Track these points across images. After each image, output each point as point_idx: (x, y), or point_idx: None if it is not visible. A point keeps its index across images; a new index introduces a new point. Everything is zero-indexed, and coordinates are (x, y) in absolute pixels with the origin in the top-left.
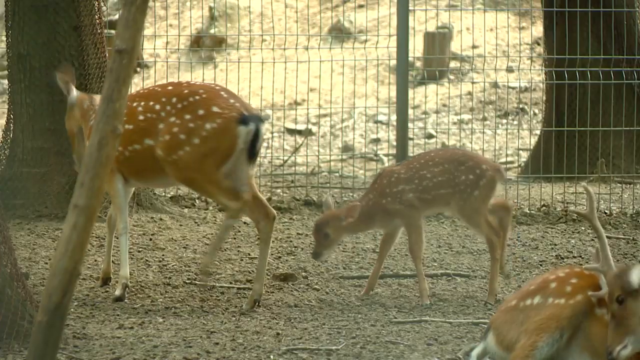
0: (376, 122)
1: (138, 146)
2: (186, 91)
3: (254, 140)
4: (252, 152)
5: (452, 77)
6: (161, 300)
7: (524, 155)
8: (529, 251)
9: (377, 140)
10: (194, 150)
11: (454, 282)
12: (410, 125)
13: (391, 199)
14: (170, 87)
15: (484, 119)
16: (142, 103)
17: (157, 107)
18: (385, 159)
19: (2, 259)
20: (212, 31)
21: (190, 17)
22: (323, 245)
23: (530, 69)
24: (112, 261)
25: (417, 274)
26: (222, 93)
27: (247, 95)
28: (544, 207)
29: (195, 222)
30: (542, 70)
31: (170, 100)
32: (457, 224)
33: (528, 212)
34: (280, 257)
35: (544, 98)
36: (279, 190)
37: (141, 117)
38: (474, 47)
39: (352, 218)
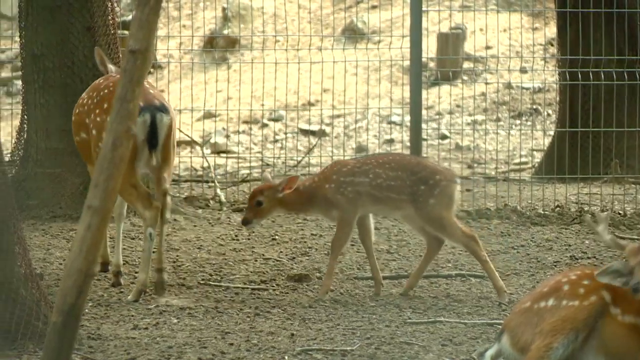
0: (390, 122)
1: (78, 138)
2: (103, 85)
3: (153, 131)
4: (151, 142)
5: (465, 77)
6: (176, 300)
7: (538, 156)
8: (543, 252)
9: (390, 141)
10: None
11: (468, 283)
12: (423, 126)
13: (335, 186)
14: (100, 81)
15: (498, 119)
16: (83, 96)
17: (87, 100)
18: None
19: (17, 260)
20: (225, 32)
21: (204, 18)
22: (254, 213)
23: (543, 70)
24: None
25: (328, 269)
26: None
27: (260, 96)
28: (558, 208)
29: (210, 223)
30: (555, 70)
31: (93, 94)
32: (471, 225)
33: (542, 212)
34: (294, 258)
35: (558, 99)
36: None
37: (77, 111)
38: (487, 47)
39: (289, 190)
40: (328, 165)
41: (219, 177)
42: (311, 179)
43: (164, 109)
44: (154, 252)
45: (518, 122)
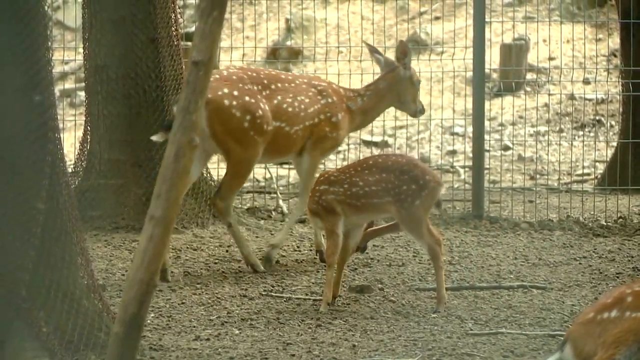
0: (452, 133)
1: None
2: None
3: None
4: None
5: (528, 88)
6: (237, 311)
7: (601, 167)
8: (606, 263)
9: (453, 152)
10: None
11: (530, 294)
12: (486, 137)
13: (311, 195)
14: None
15: (560, 130)
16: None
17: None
18: (461, 170)
19: (80, 271)
20: (288, 43)
21: (267, 29)
22: None
23: (606, 81)
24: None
25: (326, 280)
26: None
27: None
28: (620, 219)
29: (272, 234)
30: (618, 81)
31: None
32: (533, 236)
33: (605, 224)
34: (356, 269)
35: (621, 110)
36: None
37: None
38: (550, 58)
39: None
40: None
41: (281, 188)
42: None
43: None
44: None
45: (581, 133)
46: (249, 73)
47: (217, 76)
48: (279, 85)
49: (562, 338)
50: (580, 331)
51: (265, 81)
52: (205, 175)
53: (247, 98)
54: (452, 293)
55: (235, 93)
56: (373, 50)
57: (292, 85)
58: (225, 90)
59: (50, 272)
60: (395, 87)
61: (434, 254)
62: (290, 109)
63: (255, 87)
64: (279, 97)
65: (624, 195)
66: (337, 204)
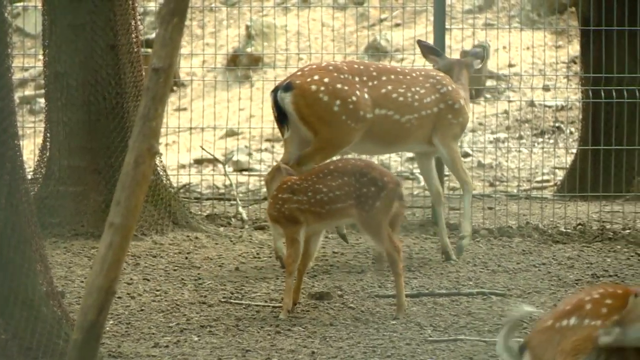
0: None
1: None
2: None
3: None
4: (278, 119)
5: (488, 95)
6: (196, 318)
7: (560, 174)
8: (565, 270)
9: (413, 159)
10: None
11: (489, 301)
12: None
13: (273, 203)
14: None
15: (520, 137)
16: None
17: None
18: (421, 177)
19: (38, 278)
20: (248, 50)
21: (227, 36)
22: None
23: (566, 88)
24: None
25: (286, 288)
26: None
27: None
28: (579, 226)
29: (231, 241)
30: (578, 88)
31: None
32: (492, 243)
33: (564, 230)
34: (315, 276)
35: (581, 116)
36: None
37: None
38: (510, 65)
39: None
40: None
41: (241, 195)
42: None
43: (287, 87)
44: None
45: (540, 140)
46: (354, 65)
47: (314, 66)
48: (392, 77)
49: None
50: (539, 338)
51: (375, 73)
52: (165, 182)
53: (338, 85)
54: (412, 300)
55: (326, 80)
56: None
57: (407, 77)
58: (315, 77)
59: (9, 279)
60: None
61: (392, 261)
62: (401, 99)
63: (354, 78)
64: (389, 87)
65: (583, 202)
66: (300, 213)
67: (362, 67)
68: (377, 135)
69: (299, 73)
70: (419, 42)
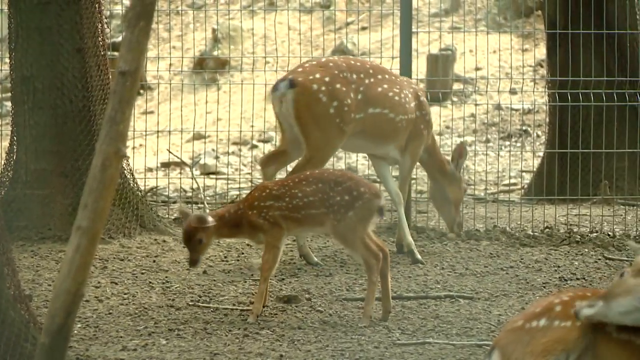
0: None
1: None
2: None
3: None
4: None
5: (455, 99)
6: (164, 322)
7: (527, 177)
8: (532, 273)
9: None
10: None
11: (457, 304)
12: None
13: (257, 212)
14: None
15: (487, 140)
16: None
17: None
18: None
19: (6, 281)
20: (215, 53)
21: (194, 39)
22: (199, 252)
23: (533, 91)
24: None
25: (258, 293)
26: None
27: (250, 118)
28: (547, 229)
29: None
30: (545, 92)
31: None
32: (460, 246)
33: (531, 234)
34: (283, 279)
35: (547, 120)
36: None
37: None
38: (477, 69)
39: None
40: (251, 190)
41: (208, 198)
42: (236, 205)
43: (290, 84)
44: None
45: (507, 143)
46: (351, 62)
47: (314, 62)
48: (386, 76)
49: (488, 348)
50: (509, 339)
51: (371, 71)
52: (132, 185)
53: (337, 85)
54: (380, 303)
55: (327, 79)
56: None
57: (398, 79)
58: (317, 76)
59: None
60: (443, 176)
61: (369, 268)
62: (396, 98)
63: (352, 75)
64: (385, 86)
65: (551, 205)
66: (282, 219)
67: (358, 63)
68: (370, 133)
69: (300, 69)
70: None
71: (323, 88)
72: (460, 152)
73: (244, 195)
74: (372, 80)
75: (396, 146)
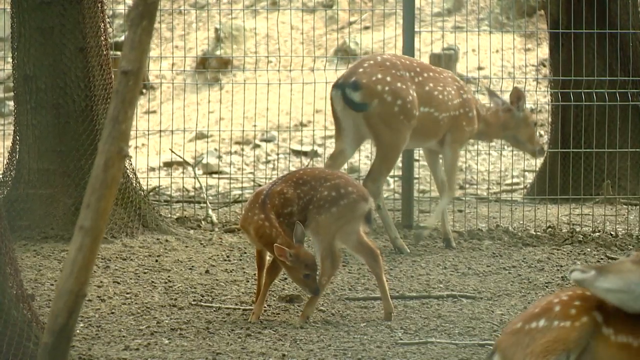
0: None
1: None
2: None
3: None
4: None
5: None
6: (167, 321)
7: (530, 177)
8: (535, 272)
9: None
10: None
11: (459, 304)
12: None
13: (282, 219)
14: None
15: (490, 140)
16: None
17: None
18: (390, 180)
19: (8, 281)
20: (218, 52)
21: (196, 39)
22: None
23: (535, 91)
24: None
25: (262, 294)
26: None
27: (252, 117)
28: (549, 229)
29: (201, 244)
30: (547, 91)
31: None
32: (462, 246)
33: (534, 233)
34: (285, 279)
35: (550, 119)
36: None
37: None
38: (479, 68)
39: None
40: (252, 195)
41: (210, 197)
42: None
43: (355, 85)
44: None
45: None
46: (402, 60)
47: (372, 62)
48: (431, 74)
49: (491, 347)
50: (509, 341)
51: (418, 69)
52: (134, 184)
53: (398, 84)
54: (381, 303)
55: (388, 79)
56: (492, 95)
57: (442, 76)
58: (379, 76)
59: None
60: (509, 127)
61: (323, 270)
62: (440, 97)
63: (406, 74)
64: (431, 85)
65: (553, 204)
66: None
67: (407, 62)
68: (416, 132)
69: (360, 70)
70: (486, 88)
71: (387, 88)
72: (518, 96)
73: (245, 195)
74: (420, 79)
75: (436, 141)
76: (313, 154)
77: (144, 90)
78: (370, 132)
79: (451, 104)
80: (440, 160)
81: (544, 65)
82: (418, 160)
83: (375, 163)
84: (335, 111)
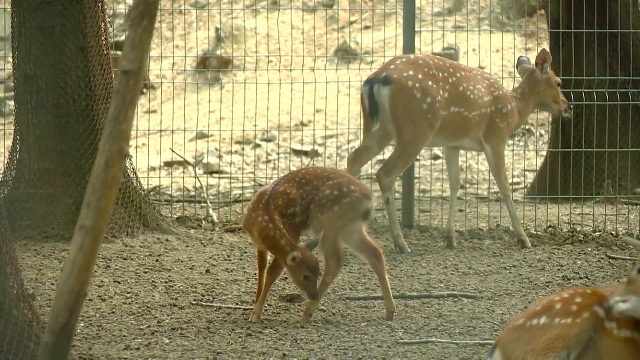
0: None
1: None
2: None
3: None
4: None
5: None
6: (168, 321)
7: (531, 177)
8: (536, 272)
9: (383, 161)
10: None
11: (460, 303)
12: None
13: (286, 220)
14: None
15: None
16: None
17: None
18: None
19: (9, 280)
20: (218, 52)
21: (197, 39)
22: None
23: None
24: None
25: (262, 295)
26: None
27: (253, 117)
28: (550, 229)
29: (202, 244)
30: None
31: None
32: (463, 246)
33: (535, 233)
34: (286, 278)
35: (551, 119)
36: None
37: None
38: (480, 68)
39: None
40: (267, 198)
41: (211, 197)
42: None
43: (385, 80)
44: None
45: (511, 142)
46: (435, 61)
47: (404, 59)
48: (463, 74)
49: (491, 347)
50: (510, 337)
51: (451, 70)
52: (135, 184)
53: (430, 82)
54: (383, 302)
55: (420, 76)
56: (520, 62)
57: (472, 74)
58: (411, 73)
59: None
60: (536, 90)
61: (328, 269)
62: (472, 96)
63: (439, 74)
64: (464, 85)
65: (554, 204)
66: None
67: (440, 62)
68: (444, 130)
69: (392, 67)
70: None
71: (417, 85)
72: (544, 58)
73: (246, 195)
74: (454, 79)
75: (472, 139)
76: (314, 154)
77: (145, 90)
78: (394, 127)
79: (481, 102)
80: (458, 155)
81: None
82: (419, 160)
83: (392, 156)
84: (365, 107)
